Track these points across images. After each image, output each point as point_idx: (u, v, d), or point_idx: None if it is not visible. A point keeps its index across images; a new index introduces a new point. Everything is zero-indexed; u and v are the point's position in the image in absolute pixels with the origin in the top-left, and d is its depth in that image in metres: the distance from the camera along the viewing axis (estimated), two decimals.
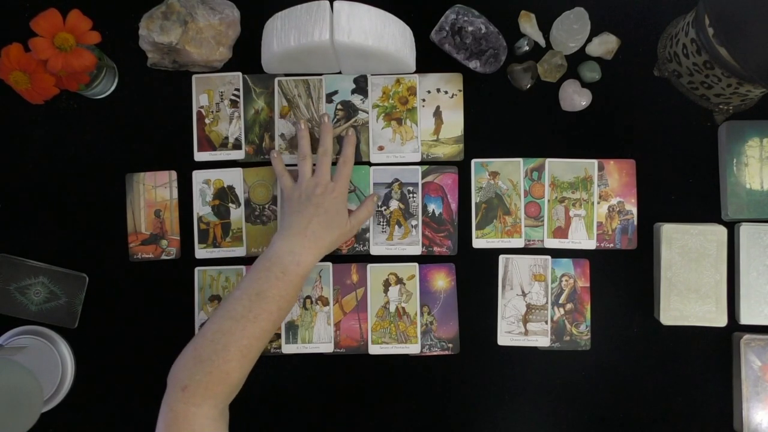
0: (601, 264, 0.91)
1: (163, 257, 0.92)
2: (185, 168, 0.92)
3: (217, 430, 0.72)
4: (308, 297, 0.91)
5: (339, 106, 0.93)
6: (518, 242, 0.92)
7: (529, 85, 0.92)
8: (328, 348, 0.91)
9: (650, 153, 0.92)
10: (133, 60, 0.92)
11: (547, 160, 0.92)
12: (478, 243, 0.92)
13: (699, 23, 0.79)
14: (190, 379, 0.72)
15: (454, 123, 0.92)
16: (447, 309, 0.91)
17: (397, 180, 0.92)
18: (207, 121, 0.93)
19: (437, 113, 0.93)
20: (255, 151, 0.92)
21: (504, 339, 0.91)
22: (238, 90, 0.93)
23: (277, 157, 0.89)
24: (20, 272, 0.90)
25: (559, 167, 0.92)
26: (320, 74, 0.93)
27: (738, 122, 0.89)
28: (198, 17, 0.88)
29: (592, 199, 0.91)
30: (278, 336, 0.91)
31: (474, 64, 0.90)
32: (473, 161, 0.92)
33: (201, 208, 0.92)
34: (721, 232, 0.87)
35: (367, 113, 0.93)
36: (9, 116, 0.92)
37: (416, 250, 0.92)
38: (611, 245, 0.91)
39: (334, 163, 0.88)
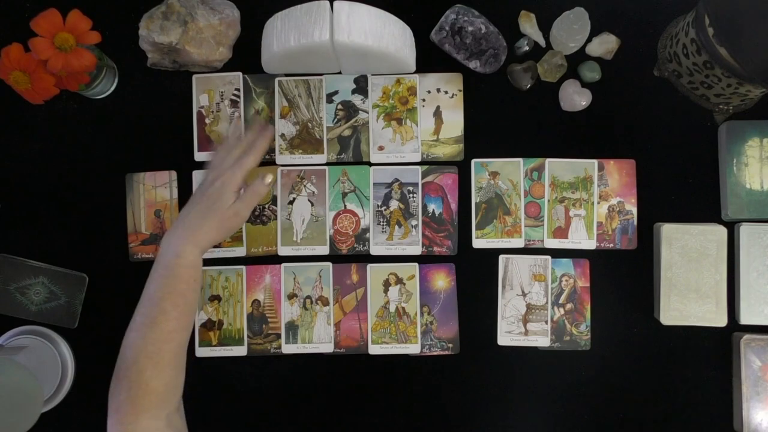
0: (601, 264, 0.91)
1: None
2: (185, 168, 0.92)
3: None
4: (308, 297, 0.91)
5: (339, 106, 0.93)
6: (518, 242, 0.92)
7: (529, 85, 0.92)
8: (328, 348, 0.91)
9: (650, 153, 0.92)
10: (133, 60, 0.92)
11: (547, 160, 0.92)
12: (478, 243, 0.92)
13: (699, 23, 0.79)
14: (115, 400, 0.72)
15: (454, 123, 0.92)
16: (447, 309, 0.91)
17: (397, 180, 0.92)
18: (207, 121, 0.93)
19: (437, 113, 0.93)
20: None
21: (504, 339, 0.91)
22: (238, 90, 0.93)
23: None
24: (20, 272, 0.90)
25: (559, 167, 0.92)
26: (320, 74, 0.93)
27: (738, 122, 0.90)
28: (198, 17, 0.88)
29: (592, 199, 0.91)
30: (278, 336, 0.91)
31: (474, 64, 0.90)
32: (473, 161, 0.92)
33: None
34: (721, 232, 0.87)
35: (367, 113, 0.93)
36: (9, 116, 0.92)
37: (416, 250, 0.92)
38: (611, 245, 0.91)
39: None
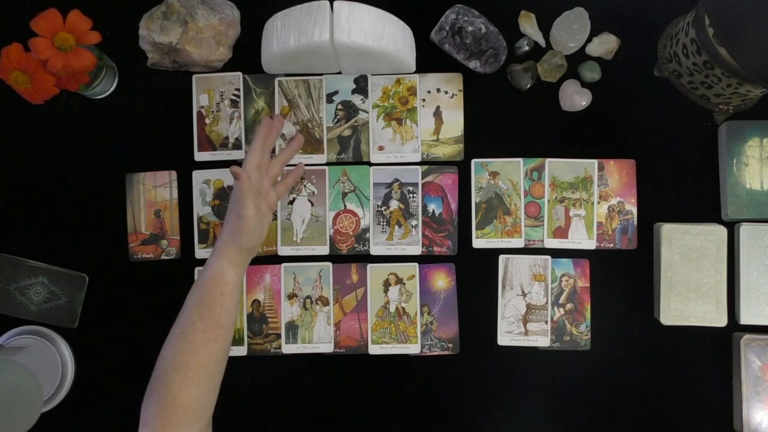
0: (601, 264, 0.91)
1: (163, 257, 0.92)
2: (185, 168, 0.92)
3: None
4: (308, 297, 0.91)
5: (339, 106, 0.93)
6: (518, 242, 0.92)
7: (529, 85, 0.92)
8: (328, 348, 0.91)
9: (650, 153, 0.92)
10: (133, 60, 0.92)
11: (547, 160, 0.92)
12: (478, 243, 0.92)
13: (699, 23, 0.79)
14: (145, 413, 0.72)
15: (454, 123, 0.92)
16: (447, 309, 0.91)
17: (397, 180, 0.92)
18: (207, 121, 0.93)
19: (437, 113, 0.93)
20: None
21: (504, 339, 0.91)
22: (238, 90, 0.93)
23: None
24: (20, 272, 0.90)
25: (559, 167, 0.92)
26: (320, 74, 0.93)
27: (738, 122, 0.89)
28: (198, 17, 0.88)
29: (592, 199, 0.91)
30: (278, 336, 0.91)
31: (474, 64, 0.90)
32: (473, 161, 0.92)
33: (201, 208, 0.92)
34: (721, 232, 0.87)
35: (367, 113, 0.93)
36: (9, 116, 0.92)
37: (416, 250, 0.92)
38: (611, 245, 0.91)
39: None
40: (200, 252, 0.92)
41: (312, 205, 0.92)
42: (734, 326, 0.89)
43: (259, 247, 0.92)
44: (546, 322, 0.91)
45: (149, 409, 0.71)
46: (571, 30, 0.90)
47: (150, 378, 0.74)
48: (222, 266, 0.77)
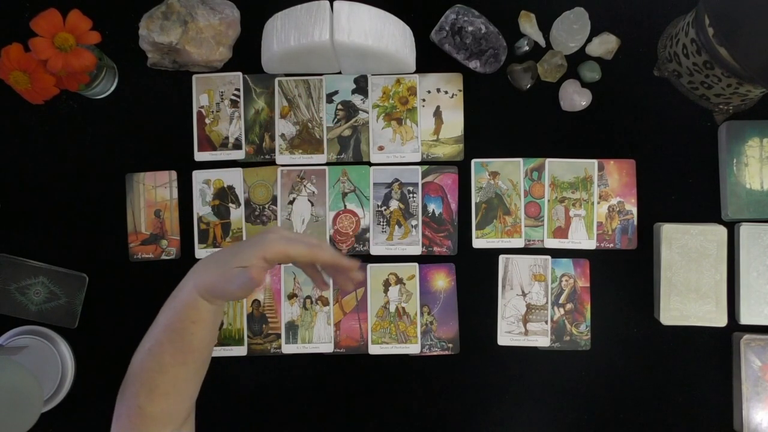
0: (601, 264, 0.91)
1: (163, 257, 0.92)
2: (185, 168, 0.92)
3: None
4: (308, 297, 0.91)
5: (339, 106, 0.93)
6: (518, 242, 0.92)
7: (529, 85, 0.92)
8: (328, 348, 0.91)
9: (650, 153, 0.92)
10: (133, 60, 0.92)
11: (547, 160, 0.92)
12: (478, 243, 0.92)
13: (699, 23, 0.79)
14: (118, 408, 0.69)
15: (454, 123, 0.92)
16: (447, 309, 0.91)
17: (397, 180, 0.92)
18: (207, 121, 0.93)
19: (437, 113, 0.93)
20: (255, 151, 0.92)
21: (504, 339, 0.91)
22: (238, 90, 0.93)
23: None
24: (20, 272, 0.90)
25: (559, 167, 0.92)
26: (320, 74, 0.93)
27: (738, 122, 0.89)
28: (198, 17, 0.88)
29: (592, 199, 0.91)
30: (278, 336, 0.91)
31: (474, 64, 0.90)
32: (473, 161, 0.92)
33: (201, 208, 0.92)
34: (721, 232, 0.87)
35: (367, 113, 0.93)
36: (9, 116, 0.92)
37: (416, 250, 0.92)
38: (611, 245, 0.91)
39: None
40: (200, 252, 0.92)
41: (312, 205, 0.92)
42: (734, 326, 0.89)
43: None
44: (546, 322, 0.91)
45: (120, 409, 0.69)
46: (571, 30, 0.90)
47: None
48: (193, 295, 0.66)
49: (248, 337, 0.91)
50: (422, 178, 0.92)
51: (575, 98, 0.91)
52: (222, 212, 0.92)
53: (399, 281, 0.91)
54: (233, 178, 0.92)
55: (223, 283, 0.65)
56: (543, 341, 0.91)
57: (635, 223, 0.91)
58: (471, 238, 0.92)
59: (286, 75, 0.93)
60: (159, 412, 0.68)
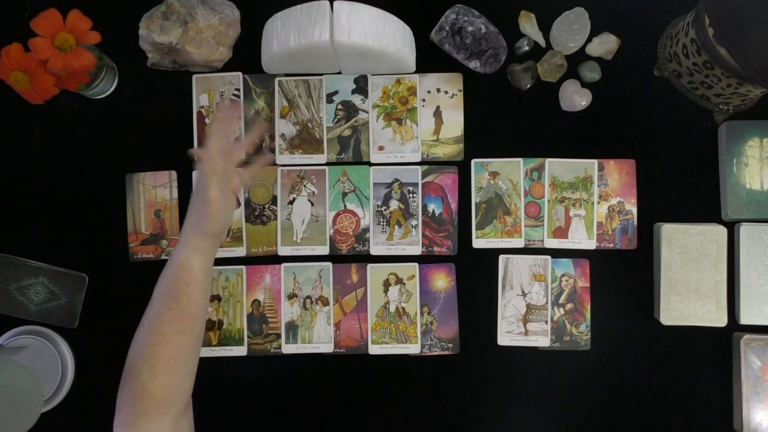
0: (601, 264, 0.91)
1: (163, 257, 0.92)
2: (185, 168, 0.92)
3: None
4: (308, 297, 0.91)
5: (339, 106, 0.93)
6: (518, 242, 0.92)
7: (529, 85, 0.92)
8: (328, 348, 0.91)
9: (650, 153, 0.92)
10: (133, 60, 0.92)
11: (547, 160, 0.92)
12: (478, 243, 0.92)
13: (699, 23, 0.79)
14: (119, 400, 0.71)
15: (454, 123, 0.92)
16: (447, 309, 0.91)
17: (397, 180, 0.92)
18: (207, 121, 0.93)
19: (437, 113, 0.93)
20: (255, 151, 0.92)
21: (504, 339, 0.91)
22: (238, 90, 0.93)
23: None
24: (20, 272, 0.90)
25: (559, 167, 0.92)
26: (320, 74, 0.93)
27: (738, 122, 0.90)
28: (198, 17, 0.88)
29: (592, 199, 0.91)
30: (278, 336, 0.91)
31: (474, 64, 0.90)
32: (473, 161, 0.92)
33: None
34: (721, 232, 0.87)
35: (367, 113, 0.93)
36: (9, 116, 0.92)
37: (416, 250, 0.92)
38: (611, 245, 0.91)
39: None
40: None
41: (312, 205, 0.92)
42: (734, 326, 0.89)
43: (226, 238, 0.90)
44: (546, 322, 0.91)
45: (122, 396, 0.71)
46: (571, 30, 0.90)
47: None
48: (187, 255, 0.74)
49: (248, 337, 0.91)
50: (422, 178, 0.92)
51: (575, 98, 0.91)
52: None
53: (399, 281, 0.91)
54: None
55: (200, 208, 0.74)
56: (543, 341, 0.91)
57: (635, 223, 0.91)
58: (471, 238, 0.92)
59: (286, 75, 0.93)
60: (162, 389, 0.70)
